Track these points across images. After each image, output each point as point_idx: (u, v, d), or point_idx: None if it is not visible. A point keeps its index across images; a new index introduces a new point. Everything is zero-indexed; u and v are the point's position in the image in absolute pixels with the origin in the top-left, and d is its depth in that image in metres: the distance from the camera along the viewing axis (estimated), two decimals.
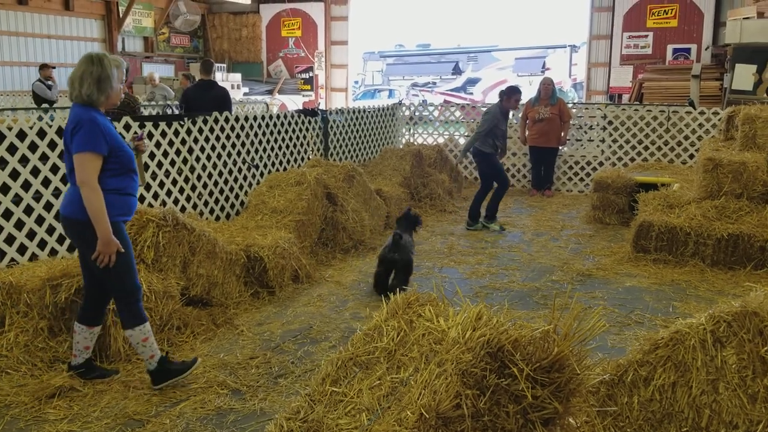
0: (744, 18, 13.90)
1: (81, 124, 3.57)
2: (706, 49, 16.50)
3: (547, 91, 10.02)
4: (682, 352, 2.69)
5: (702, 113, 10.22)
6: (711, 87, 15.22)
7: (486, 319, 2.25)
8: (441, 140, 11.89)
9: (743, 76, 12.64)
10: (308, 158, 8.66)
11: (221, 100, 8.12)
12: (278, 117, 8.16)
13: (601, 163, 10.78)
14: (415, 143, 11.21)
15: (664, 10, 17.00)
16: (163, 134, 6.45)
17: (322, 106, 19.32)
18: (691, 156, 10.16)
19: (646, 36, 17.27)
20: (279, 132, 8.11)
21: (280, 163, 8.16)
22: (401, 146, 10.95)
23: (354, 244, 7.24)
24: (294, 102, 18.73)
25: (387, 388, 2.23)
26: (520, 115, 10.64)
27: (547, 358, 2.24)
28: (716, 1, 16.55)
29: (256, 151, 7.68)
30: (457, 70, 31.66)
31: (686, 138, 10.25)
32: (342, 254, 7.04)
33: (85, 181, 3.54)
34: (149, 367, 3.95)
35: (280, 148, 8.13)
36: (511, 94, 8.23)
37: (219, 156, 7.08)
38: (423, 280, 6.32)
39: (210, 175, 6.97)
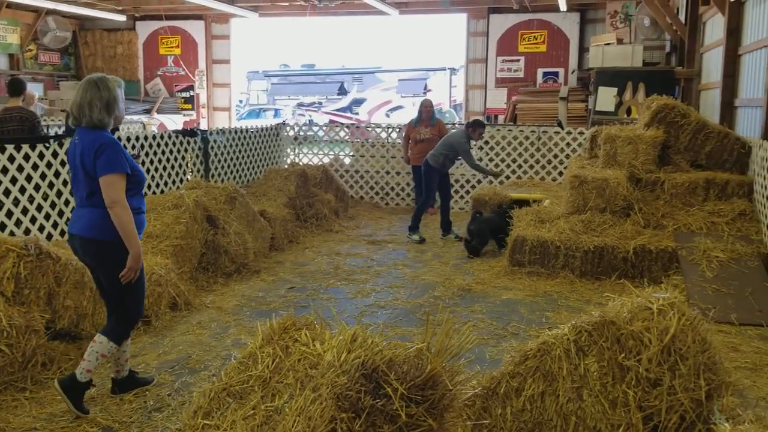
0: (605, 44, 15.00)
1: (103, 147, 3.69)
2: (572, 73, 17.61)
3: (428, 113, 10.30)
4: (549, 362, 2.82)
5: (569, 133, 10.87)
6: (577, 108, 16.25)
7: (361, 341, 2.26)
8: (326, 160, 11.93)
9: (605, 98, 13.59)
10: (187, 180, 8.40)
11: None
12: (154, 137, 7.88)
13: (479, 181, 11.20)
14: (300, 163, 11.17)
15: (534, 36, 17.99)
16: (26, 157, 6.04)
17: (203, 126, 18.85)
18: (561, 173, 10.78)
19: (518, 60, 18.18)
20: (156, 153, 7.82)
21: (157, 185, 7.87)
22: (286, 166, 10.87)
23: (237, 267, 7.08)
24: (174, 122, 18.15)
25: (261, 417, 2.18)
26: (402, 135, 10.88)
27: (420, 375, 2.27)
28: (580, 28, 17.73)
29: None
30: (342, 91, 31.98)
31: (555, 156, 10.86)
32: (224, 278, 6.86)
33: (117, 201, 3.68)
34: (80, 377, 3.89)
35: (156, 170, 7.84)
36: (476, 126, 8.93)
37: None
38: (309, 301, 6.27)
39: None
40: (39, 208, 6.17)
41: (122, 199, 3.69)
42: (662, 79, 13.03)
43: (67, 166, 6.39)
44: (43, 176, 6.19)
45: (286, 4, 17.47)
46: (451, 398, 2.33)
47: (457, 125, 13.16)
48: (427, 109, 10.39)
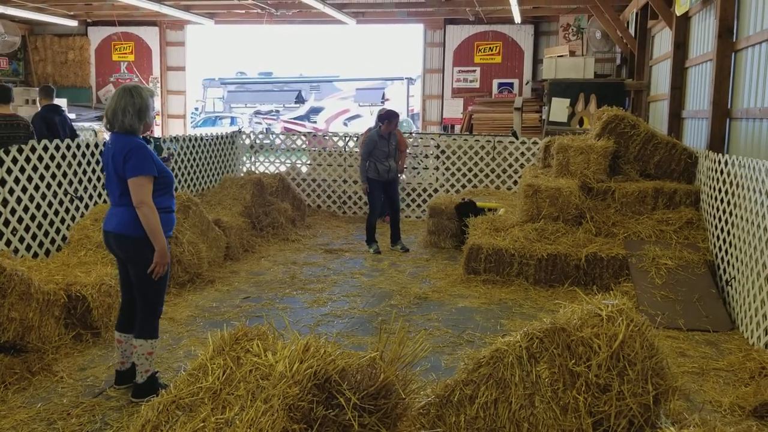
0: (558, 56, 15.32)
1: (132, 151, 3.97)
2: (526, 84, 17.91)
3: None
4: (501, 369, 2.85)
5: (523, 143, 11.04)
6: (532, 119, 16.52)
7: (313, 350, 2.24)
8: (283, 168, 11.85)
9: (559, 108, 13.88)
10: None
11: (70, 125, 8.53)
12: (104, 145, 7.70)
13: (436, 190, 11.28)
14: (257, 171, 11.07)
15: (490, 47, 18.25)
16: None
17: (156, 134, 18.52)
18: (515, 182, 10.92)
19: (474, 71, 18.41)
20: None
21: (108, 194, 7.68)
22: (242, 175, 10.76)
23: (190, 277, 6.96)
24: None
25: (211, 430, 2.14)
26: (359, 143, 10.88)
27: (373, 385, 2.27)
28: (534, 40, 18.05)
29: (80, 181, 7.18)
30: (300, 99, 31.87)
31: (510, 165, 11.01)
32: (177, 289, 6.73)
33: (144, 201, 3.96)
34: (139, 379, 4.21)
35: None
36: (389, 117, 8.63)
37: (37, 188, 6.53)
38: (264, 311, 6.20)
39: (26, 209, 6.39)
40: None
41: (149, 200, 3.98)
42: (613, 90, 13.37)
43: (13, 174, 6.24)
44: None
45: (243, 11, 17.33)
46: (404, 407, 2.33)
47: (414, 134, 13.24)
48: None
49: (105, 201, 7.55)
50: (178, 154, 9.26)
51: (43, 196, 6.61)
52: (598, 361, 2.63)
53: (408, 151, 11.00)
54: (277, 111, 31.97)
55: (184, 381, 2.40)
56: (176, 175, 9.16)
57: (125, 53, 19.07)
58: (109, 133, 4.22)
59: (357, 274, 7.66)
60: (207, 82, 33.47)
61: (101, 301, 5.28)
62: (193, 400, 2.30)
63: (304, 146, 12.29)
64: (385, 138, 8.64)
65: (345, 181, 11.64)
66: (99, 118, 17.98)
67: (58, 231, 6.76)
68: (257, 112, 31.44)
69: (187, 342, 5.35)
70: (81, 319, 5.19)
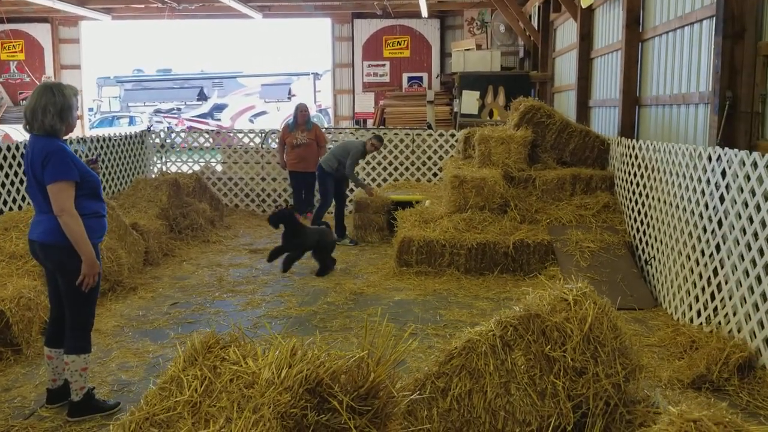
0: (466, 49, 15.61)
1: (50, 155, 3.70)
2: (436, 77, 18.19)
3: (303, 117, 10.13)
4: (475, 359, 2.84)
5: (441, 135, 11.18)
6: (443, 111, 16.82)
7: (301, 354, 2.14)
8: (196, 168, 11.44)
9: (469, 101, 14.15)
10: None
11: None
12: (8, 149, 7.15)
13: None
14: (169, 171, 10.63)
15: (398, 41, 18.39)
16: None
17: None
18: (435, 174, 11.05)
19: (384, 65, 18.51)
20: (11, 166, 7.10)
21: (14, 201, 7.15)
22: (154, 175, 10.30)
23: (111, 285, 6.57)
24: (20, 132, 16.63)
25: None
26: (277, 139, 10.68)
27: (363, 385, 2.20)
28: (441, 33, 18.35)
29: None
30: (202, 96, 30.91)
31: (429, 158, 11.13)
32: (98, 298, 6.32)
33: (65, 209, 3.70)
34: (74, 397, 3.96)
35: (12, 183, 7.12)
36: (374, 138, 9.09)
37: None
38: (196, 317, 5.95)
39: None
40: None
41: (70, 207, 3.73)
42: (519, 82, 13.76)
43: None
44: None
45: (142, 6, 16.59)
46: (393, 406, 2.27)
47: (332, 130, 13.12)
48: (302, 113, 10.23)
49: (11, 208, 7.02)
50: (86, 156, 8.73)
51: None
52: (573, 344, 2.67)
53: (327, 146, 10.87)
54: (179, 109, 30.87)
55: (156, 396, 2.24)
56: None
57: (14, 52, 17.84)
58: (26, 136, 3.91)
59: (286, 274, 7.49)
60: (102, 80, 31.83)
61: (21, 316, 4.89)
62: (169, 415, 2.15)
63: (207, 144, 11.90)
64: (363, 155, 9.18)
65: (263, 179, 11.38)
66: None
67: None
68: (157, 111, 30.24)
69: (118, 354, 5.05)
70: None
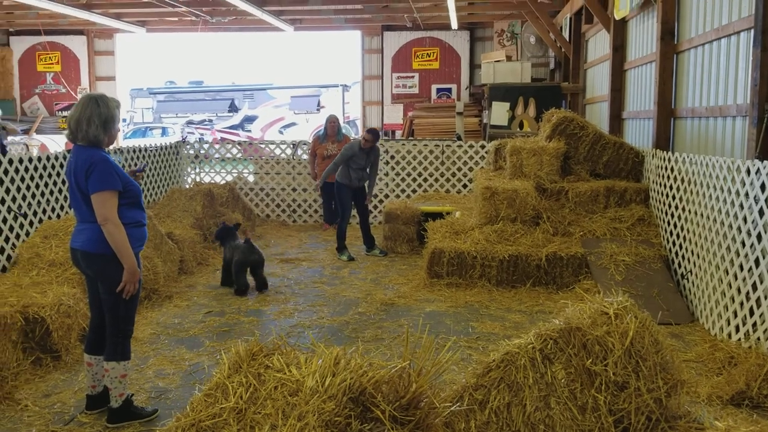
0: (496, 61, 15.61)
1: (94, 165, 3.79)
2: (465, 89, 18.19)
3: (333, 128, 10.25)
4: (513, 372, 2.83)
5: (471, 146, 11.17)
6: (472, 123, 16.79)
7: (344, 363, 2.16)
8: (229, 178, 11.59)
9: (499, 112, 14.12)
10: None
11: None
12: (48, 159, 7.32)
13: (387, 195, 11.26)
14: (204, 182, 10.78)
15: (427, 53, 18.45)
16: None
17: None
18: (465, 185, 11.04)
19: (413, 76, 18.57)
20: (50, 176, 7.27)
21: (53, 209, 7.30)
22: (188, 186, 10.45)
23: (147, 293, 6.68)
24: (56, 142, 17.02)
25: None
26: (308, 151, 10.78)
27: (405, 396, 2.21)
28: (470, 45, 18.36)
29: (24, 197, 6.79)
30: (233, 108, 31.32)
31: (459, 169, 11.12)
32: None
33: (108, 218, 3.79)
34: (113, 404, 4.02)
35: (51, 193, 7.28)
36: (374, 135, 8.82)
37: None
38: (230, 325, 6.02)
39: None
40: None
41: (113, 217, 3.81)
42: (550, 94, 13.71)
43: None
44: None
45: (176, 19, 16.90)
46: (435, 417, 2.27)
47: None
48: (332, 124, 10.34)
49: (50, 217, 7.18)
50: (122, 166, 8.90)
51: None
52: (614, 359, 2.65)
53: None
54: (210, 120, 31.32)
55: (202, 402, 2.27)
56: None
57: (51, 63, 18.28)
58: (69, 145, 4.02)
59: (318, 283, 7.54)
60: (135, 92, 32.45)
61: (60, 323, 4.99)
62: (215, 422, 2.18)
63: (239, 155, 12.05)
64: (365, 152, 8.74)
65: (294, 189, 11.48)
66: (25, 132, 17.15)
67: (2, 251, 6.36)
68: (189, 122, 30.71)
69: (155, 361, 5.13)
70: (40, 342, 4.89)
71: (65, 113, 18.33)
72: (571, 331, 2.72)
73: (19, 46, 18.28)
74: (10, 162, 6.59)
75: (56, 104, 18.50)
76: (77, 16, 14.48)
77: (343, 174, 8.79)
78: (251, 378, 2.27)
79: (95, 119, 3.86)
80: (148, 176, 9.68)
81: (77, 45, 18.31)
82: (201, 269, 8.14)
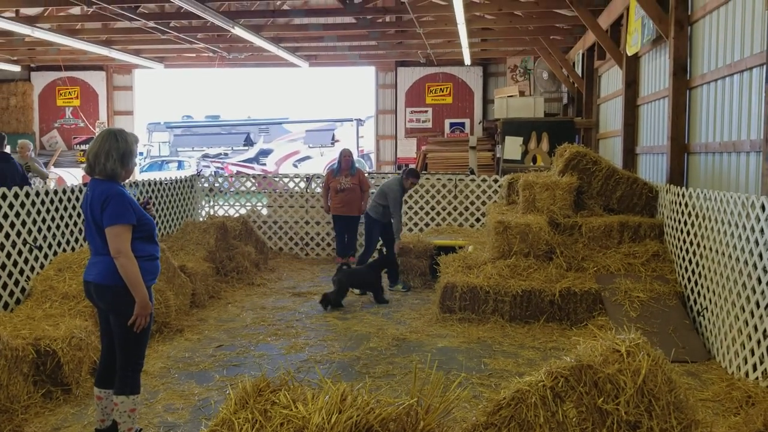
0: (509, 96, 15.72)
1: (110, 198, 3.85)
2: (478, 124, 18.30)
3: (347, 162, 10.29)
4: (524, 410, 2.78)
5: (484, 180, 11.19)
6: (485, 157, 16.84)
7: (351, 400, 2.13)
8: (243, 211, 11.66)
9: (512, 147, 14.15)
10: None
11: (21, 174, 8.48)
12: (64, 192, 7.42)
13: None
14: (217, 215, 10.86)
15: (440, 88, 18.63)
16: None
17: None
18: (478, 219, 11.03)
19: (426, 111, 18.74)
20: (66, 208, 7.35)
21: (68, 242, 7.37)
22: (202, 219, 10.52)
23: (158, 327, 6.68)
24: (73, 175, 17.26)
25: None
26: (321, 185, 10.84)
27: None
28: (483, 80, 18.53)
29: (39, 230, 6.86)
30: (248, 142, 31.65)
31: (472, 203, 11.12)
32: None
33: (122, 251, 3.82)
34: None
35: (67, 226, 7.35)
36: (409, 175, 9.15)
37: None
38: (240, 359, 5.99)
39: None
40: None
41: (127, 250, 3.84)
42: (564, 128, 13.73)
43: None
44: None
45: (194, 55, 17.24)
46: None
47: (372, 174, 13.25)
48: (346, 158, 10.38)
49: (64, 250, 7.24)
50: (138, 199, 8.99)
51: (1, 247, 6.27)
52: (626, 397, 2.61)
53: (370, 191, 10.98)
54: (226, 154, 31.64)
55: None
56: None
57: (70, 98, 18.64)
58: (84, 179, 4.07)
59: (329, 317, 7.51)
60: (152, 126, 32.91)
61: (72, 356, 5.00)
62: None
63: (253, 188, 12.14)
64: (406, 190, 9.16)
65: (307, 223, 11.52)
66: (44, 165, 17.39)
67: (17, 283, 6.40)
68: (205, 156, 31.04)
69: (165, 395, 5.10)
70: (51, 375, 4.89)
71: (83, 147, 18.64)
72: (582, 368, 2.68)
73: (40, 81, 18.68)
74: (27, 195, 6.68)
75: (75, 138, 18.81)
76: (97, 52, 14.81)
77: (376, 210, 9.08)
78: (257, 414, 2.25)
79: (113, 153, 3.94)
80: (162, 209, 9.77)
81: (96, 80, 18.68)
82: (213, 302, 8.15)
